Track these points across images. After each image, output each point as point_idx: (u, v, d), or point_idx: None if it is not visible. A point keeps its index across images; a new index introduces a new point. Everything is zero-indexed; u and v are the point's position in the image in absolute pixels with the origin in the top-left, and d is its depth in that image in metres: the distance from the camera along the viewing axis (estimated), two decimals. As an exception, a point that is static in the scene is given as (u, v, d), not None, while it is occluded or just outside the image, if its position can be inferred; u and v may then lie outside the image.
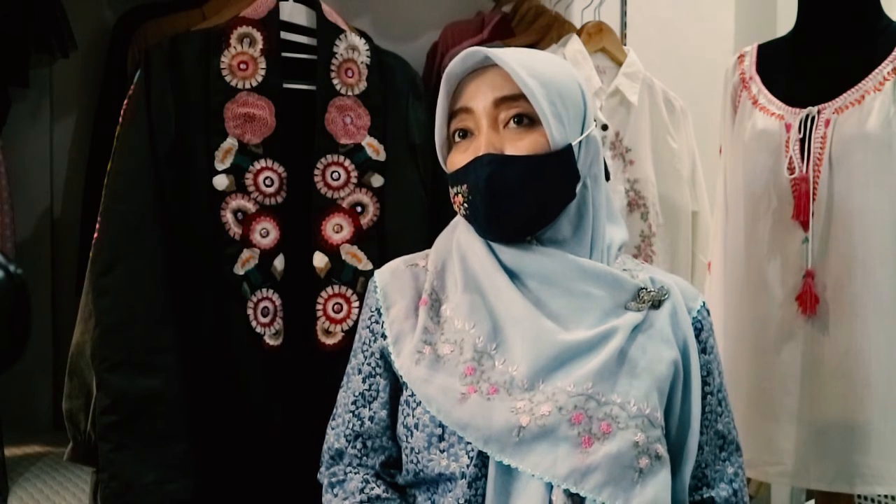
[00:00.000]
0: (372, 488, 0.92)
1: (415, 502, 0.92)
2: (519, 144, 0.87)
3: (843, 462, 1.34)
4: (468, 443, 0.84)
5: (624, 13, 1.98)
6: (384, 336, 0.95)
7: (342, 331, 1.25)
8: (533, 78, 0.86)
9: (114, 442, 1.12)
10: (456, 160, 0.91)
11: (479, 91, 0.89)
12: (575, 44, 1.72)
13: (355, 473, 0.94)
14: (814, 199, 1.35)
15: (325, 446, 0.99)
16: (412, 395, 0.90)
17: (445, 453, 0.86)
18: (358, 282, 1.26)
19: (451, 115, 0.93)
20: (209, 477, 1.16)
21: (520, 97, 0.87)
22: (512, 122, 0.88)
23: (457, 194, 0.91)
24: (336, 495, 0.94)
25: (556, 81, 0.89)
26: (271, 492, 1.22)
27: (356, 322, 1.02)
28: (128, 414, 1.12)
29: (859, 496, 1.95)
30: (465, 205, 0.90)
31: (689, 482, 0.93)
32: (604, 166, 0.96)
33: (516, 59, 0.87)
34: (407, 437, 0.90)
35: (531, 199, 0.88)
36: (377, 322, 0.96)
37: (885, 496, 2.14)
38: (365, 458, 0.95)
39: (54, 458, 1.64)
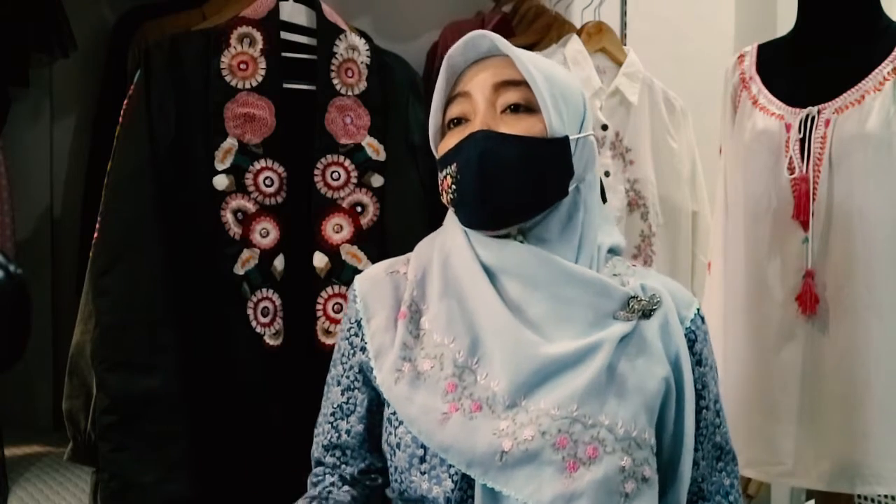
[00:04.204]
0: (329, 491, 0.92)
1: None
2: (515, 127, 0.86)
3: (843, 462, 1.34)
4: (450, 465, 0.82)
5: (624, 13, 1.98)
6: (363, 350, 0.93)
7: (342, 331, 1.25)
8: (536, 68, 0.86)
9: (114, 442, 1.12)
10: (449, 144, 0.89)
11: (479, 76, 0.89)
12: (575, 44, 1.72)
13: (331, 476, 0.94)
14: (814, 199, 1.35)
15: (311, 452, 0.99)
16: (394, 413, 0.87)
17: (427, 475, 0.84)
18: (358, 282, 1.26)
19: (448, 101, 0.92)
20: (209, 477, 1.16)
21: (520, 83, 0.86)
22: (510, 108, 0.87)
23: (445, 177, 0.88)
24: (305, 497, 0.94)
25: (558, 77, 0.89)
26: (271, 491, 1.22)
27: (335, 345, 1.00)
28: (128, 414, 1.12)
29: (859, 496, 1.95)
30: (453, 186, 0.87)
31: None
32: (599, 181, 0.95)
33: (521, 51, 0.88)
34: (391, 455, 0.88)
35: (523, 182, 0.85)
36: (356, 335, 0.94)
37: (885, 496, 2.14)
38: (344, 465, 0.94)
39: (54, 458, 1.65)
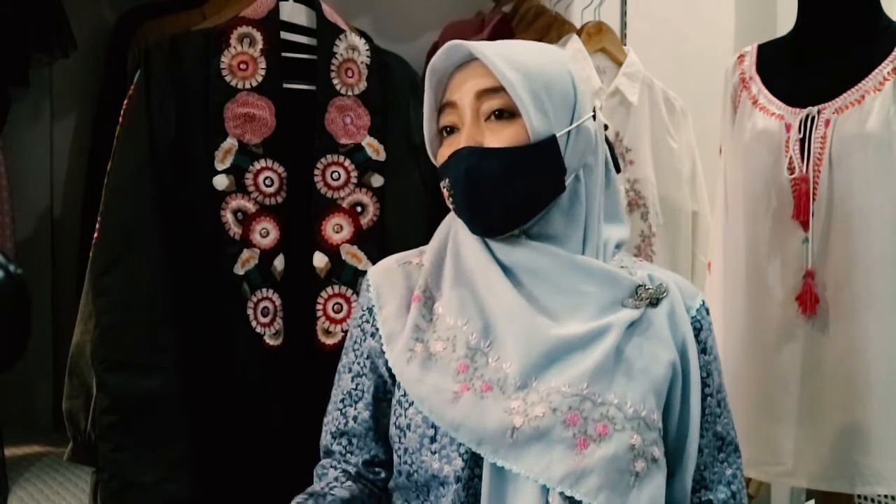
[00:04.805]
0: (333, 486, 0.92)
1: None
2: (499, 136, 0.86)
3: (843, 462, 1.34)
4: (460, 444, 0.83)
5: (624, 13, 1.98)
6: (374, 335, 0.94)
7: (342, 331, 1.25)
8: (514, 70, 0.85)
9: (114, 442, 1.12)
10: (444, 154, 0.91)
11: (463, 85, 0.89)
12: (575, 44, 1.72)
13: (335, 469, 0.95)
14: (814, 199, 1.35)
15: (320, 442, 0.99)
16: (405, 395, 0.89)
17: (437, 455, 0.85)
18: (358, 282, 1.26)
19: (440, 110, 0.93)
20: (209, 477, 1.16)
21: (500, 89, 0.86)
22: (493, 115, 0.87)
23: (444, 188, 0.91)
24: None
25: (539, 72, 0.87)
26: (271, 491, 1.22)
27: (347, 332, 1.01)
28: (128, 414, 1.12)
29: (859, 496, 1.95)
30: (451, 199, 0.90)
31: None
32: (608, 158, 0.95)
33: (497, 52, 0.86)
34: (400, 437, 0.89)
35: (511, 191, 0.86)
36: (368, 321, 0.96)
37: (885, 496, 2.14)
38: (350, 454, 0.95)
39: (54, 458, 1.65)
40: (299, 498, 0.90)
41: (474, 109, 0.88)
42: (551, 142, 0.87)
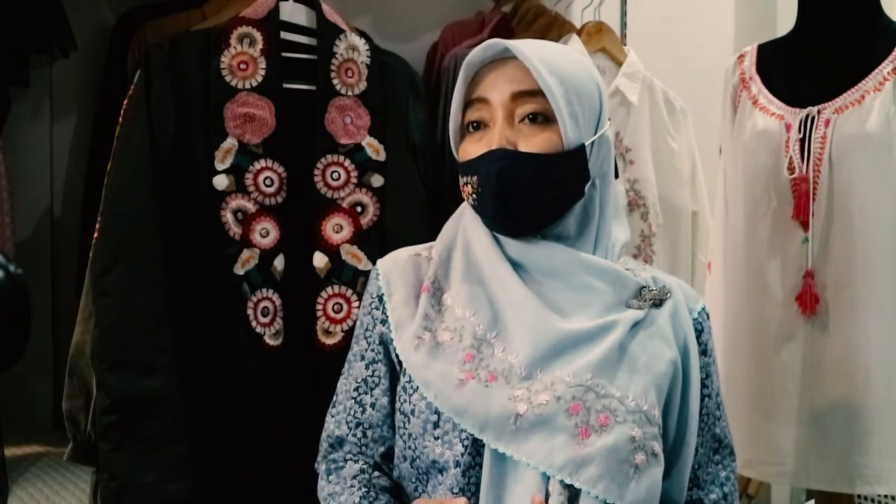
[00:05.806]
0: (367, 478, 0.92)
1: (407, 500, 0.91)
2: (533, 141, 0.87)
3: (843, 462, 1.34)
4: (462, 430, 0.84)
5: (624, 13, 1.98)
6: (384, 322, 0.95)
7: (342, 331, 1.25)
8: (552, 75, 0.86)
9: (114, 442, 1.12)
10: (469, 150, 0.91)
11: (498, 83, 0.89)
12: (575, 44, 1.72)
13: (354, 462, 0.93)
14: (814, 199, 1.35)
15: (323, 435, 0.98)
16: (410, 380, 0.90)
17: (440, 440, 0.85)
18: (358, 282, 1.26)
19: (467, 104, 0.93)
20: (209, 477, 1.16)
21: (538, 93, 0.87)
22: (527, 118, 0.88)
23: (466, 184, 0.91)
24: (330, 482, 0.93)
25: (574, 79, 0.89)
26: (271, 491, 1.22)
27: (356, 322, 1.02)
28: (128, 414, 1.12)
29: (859, 496, 1.95)
30: (474, 195, 0.90)
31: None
32: (613, 164, 0.97)
33: (536, 54, 0.87)
34: (404, 423, 0.89)
35: (540, 196, 0.88)
36: (378, 308, 0.96)
37: (885, 496, 2.14)
38: (365, 447, 0.94)
39: (54, 458, 1.65)
40: (360, 493, 0.90)
41: (508, 110, 0.89)
42: (580, 150, 0.88)
